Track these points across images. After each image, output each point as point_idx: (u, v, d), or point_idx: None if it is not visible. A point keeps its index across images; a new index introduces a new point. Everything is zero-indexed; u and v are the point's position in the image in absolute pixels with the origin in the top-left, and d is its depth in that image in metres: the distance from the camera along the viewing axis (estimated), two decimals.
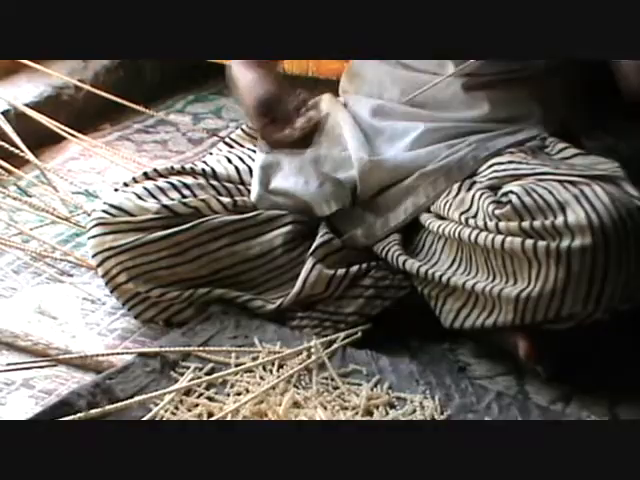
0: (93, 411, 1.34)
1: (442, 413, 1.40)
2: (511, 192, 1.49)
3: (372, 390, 1.43)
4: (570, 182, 1.47)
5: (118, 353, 1.54)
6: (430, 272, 1.55)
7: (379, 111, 1.70)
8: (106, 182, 2.15)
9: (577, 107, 1.70)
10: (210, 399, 1.40)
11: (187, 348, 1.50)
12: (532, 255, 1.44)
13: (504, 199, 1.50)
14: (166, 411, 1.37)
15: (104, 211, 1.62)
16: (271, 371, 1.46)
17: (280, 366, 1.47)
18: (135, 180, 1.68)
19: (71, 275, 1.80)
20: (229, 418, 1.35)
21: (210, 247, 1.61)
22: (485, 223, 1.49)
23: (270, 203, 1.64)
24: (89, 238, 1.63)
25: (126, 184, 1.68)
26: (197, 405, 1.38)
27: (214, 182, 1.67)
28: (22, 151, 2.11)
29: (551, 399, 1.49)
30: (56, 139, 2.26)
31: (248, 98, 1.72)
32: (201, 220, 1.60)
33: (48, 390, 1.48)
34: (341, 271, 1.60)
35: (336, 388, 1.44)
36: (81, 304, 1.71)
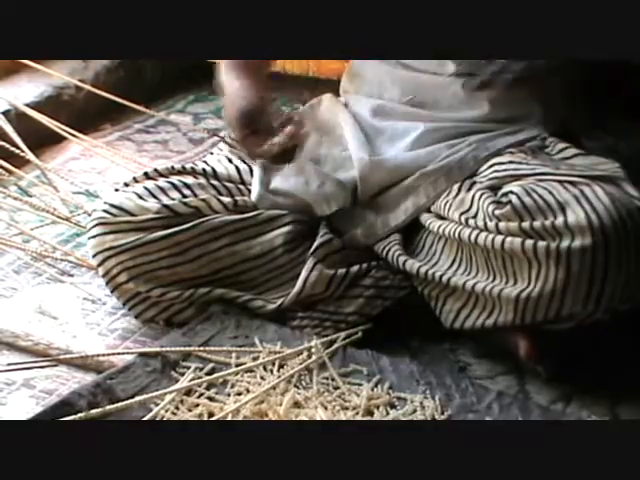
0: (94, 411, 1.34)
1: (443, 413, 1.40)
2: (511, 192, 1.49)
3: (373, 390, 1.43)
4: (570, 182, 1.47)
5: (119, 353, 1.54)
6: (430, 272, 1.55)
7: (379, 111, 1.70)
8: (107, 182, 2.15)
9: (577, 107, 1.70)
10: (211, 399, 1.40)
11: (188, 348, 1.50)
12: (532, 255, 1.44)
13: (504, 199, 1.50)
14: (167, 411, 1.37)
15: (105, 211, 1.62)
16: (272, 371, 1.46)
17: (281, 366, 1.47)
18: (136, 180, 1.68)
19: (72, 275, 1.80)
20: (230, 418, 1.35)
21: (211, 247, 1.61)
22: (485, 223, 1.49)
23: (270, 203, 1.64)
24: (89, 238, 1.63)
25: (127, 184, 1.68)
26: (198, 405, 1.38)
27: (215, 182, 1.68)
28: (23, 151, 2.11)
29: (552, 399, 1.49)
30: (57, 139, 2.26)
31: (231, 108, 1.71)
32: (202, 220, 1.60)
33: (49, 390, 1.48)
34: (341, 271, 1.60)
35: (337, 388, 1.44)
36: (82, 304, 1.71)
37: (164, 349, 1.49)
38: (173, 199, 1.63)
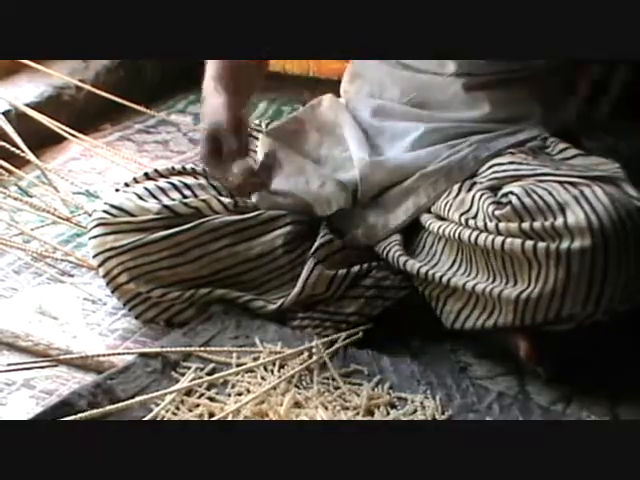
0: (94, 411, 1.34)
1: (443, 413, 1.40)
2: (511, 193, 1.49)
3: (373, 390, 1.43)
4: (570, 183, 1.46)
5: (119, 353, 1.54)
6: (430, 273, 1.55)
7: (380, 111, 1.70)
8: (107, 182, 2.16)
9: (577, 107, 1.70)
10: (211, 399, 1.40)
11: (188, 348, 1.50)
12: (532, 256, 1.44)
13: (504, 200, 1.50)
14: (167, 411, 1.37)
15: (105, 211, 1.62)
16: (272, 371, 1.46)
17: (281, 366, 1.47)
18: (136, 180, 1.68)
19: (72, 275, 1.80)
20: (230, 418, 1.35)
21: (211, 247, 1.61)
22: (485, 224, 1.49)
23: (271, 203, 1.64)
24: (90, 238, 1.63)
25: (127, 184, 1.68)
26: (198, 405, 1.38)
27: (215, 182, 1.67)
28: (23, 151, 2.11)
29: (552, 399, 1.49)
30: (57, 139, 2.27)
31: (203, 120, 1.62)
32: (202, 220, 1.60)
33: (49, 390, 1.48)
34: (342, 271, 1.60)
35: (337, 388, 1.44)
36: (82, 304, 1.71)
37: (164, 349, 1.49)
38: (173, 200, 1.63)
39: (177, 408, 1.38)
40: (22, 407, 1.44)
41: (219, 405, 1.38)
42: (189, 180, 1.66)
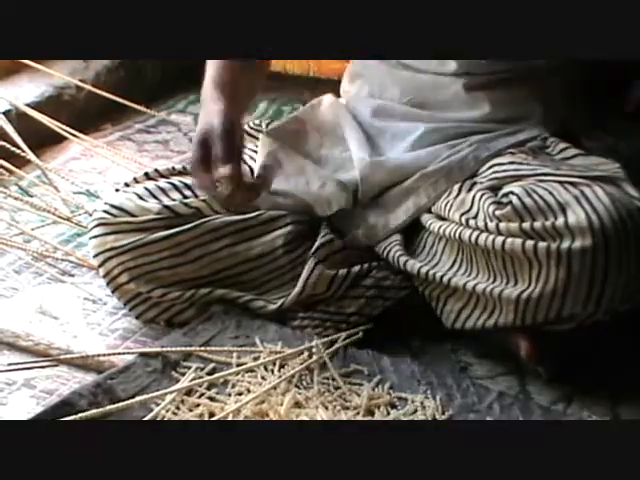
0: (94, 411, 1.34)
1: (443, 413, 1.40)
2: (511, 193, 1.48)
3: (373, 390, 1.43)
4: (570, 183, 1.46)
5: (119, 353, 1.54)
6: (431, 273, 1.55)
7: (380, 111, 1.70)
8: (107, 182, 2.16)
9: (577, 107, 1.70)
10: (211, 399, 1.40)
11: (188, 348, 1.50)
12: (532, 256, 1.44)
13: (504, 200, 1.50)
14: (167, 411, 1.37)
15: (105, 211, 1.62)
16: (272, 371, 1.46)
17: (281, 366, 1.47)
18: (136, 180, 1.68)
19: (72, 275, 1.80)
20: (230, 418, 1.35)
21: (211, 247, 1.61)
22: (486, 224, 1.49)
23: (271, 204, 1.64)
24: (90, 238, 1.63)
25: (127, 184, 1.68)
26: (198, 405, 1.38)
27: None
28: (23, 151, 2.11)
29: (552, 399, 1.49)
30: (57, 139, 2.27)
31: (199, 123, 1.56)
32: (202, 220, 1.61)
33: (49, 390, 1.49)
34: (342, 271, 1.60)
35: (337, 388, 1.44)
36: (82, 304, 1.72)
37: (165, 349, 1.49)
38: (174, 200, 1.63)
39: (177, 408, 1.38)
40: (22, 407, 1.44)
41: (219, 405, 1.38)
42: (189, 180, 1.66)
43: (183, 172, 1.69)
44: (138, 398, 1.38)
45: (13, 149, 2.09)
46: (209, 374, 1.45)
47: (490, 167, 1.58)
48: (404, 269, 1.58)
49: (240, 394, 1.41)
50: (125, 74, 2.58)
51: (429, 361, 1.55)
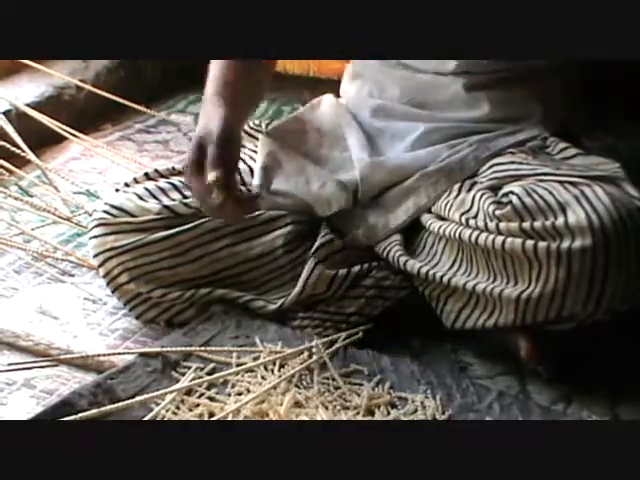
0: (94, 411, 1.34)
1: (443, 413, 1.40)
2: (511, 193, 1.48)
3: (373, 390, 1.43)
4: (570, 183, 1.46)
5: (119, 353, 1.54)
6: (431, 273, 1.55)
7: (380, 111, 1.70)
8: (107, 182, 2.16)
9: (577, 107, 1.70)
10: (211, 399, 1.40)
11: (188, 348, 1.50)
12: (532, 256, 1.44)
13: (504, 200, 1.50)
14: (167, 411, 1.37)
15: (105, 211, 1.62)
16: (272, 371, 1.46)
17: (281, 366, 1.47)
18: (136, 180, 1.68)
19: (72, 275, 1.80)
20: (230, 418, 1.35)
21: (211, 247, 1.61)
22: (486, 224, 1.49)
23: (271, 204, 1.64)
24: (90, 238, 1.63)
25: (127, 184, 1.68)
26: (198, 405, 1.38)
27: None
28: (23, 151, 2.11)
29: (552, 399, 1.49)
30: (57, 139, 2.27)
31: (198, 127, 1.54)
32: (202, 220, 1.61)
33: (49, 390, 1.49)
34: (342, 271, 1.60)
35: (337, 388, 1.44)
36: (82, 304, 1.72)
37: (165, 349, 1.49)
38: (174, 200, 1.63)
39: (177, 408, 1.38)
40: (22, 407, 1.44)
41: (219, 405, 1.38)
42: None
43: (183, 172, 1.69)
44: (138, 398, 1.38)
45: (13, 149, 2.09)
46: (209, 374, 1.45)
47: (490, 167, 1.58)
48: (404, 269, 1.58)
49: (240, 394, 1.41)
50: (125, 74, 2.58)
51: (429, 361, 1.55)
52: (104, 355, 1.53)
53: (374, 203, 1.65)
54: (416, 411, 1.40)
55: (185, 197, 1.63)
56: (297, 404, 1.39)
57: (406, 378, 1.47)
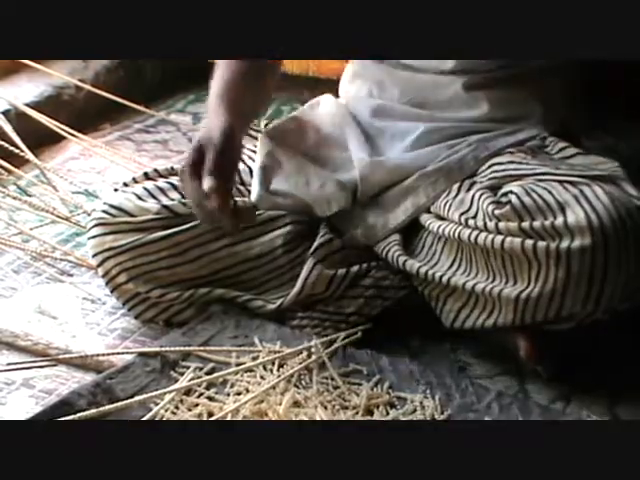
0: (93, 411, 1.34)
1: (442, 413, 1.40)
2: (511, 192, 1.48)
3: (372, 390, 1.43)
4: (570, 182, 1.46)
5: (118, 353, 1.54)
6: (430, 272, 1.55)
7: (379, 111, 1.70)
8: (106, 182, 2.16)
9: (577, 107, 1.70)
10: (210, 399, 1.40)
11: (187, 348, 1.50)
12: (532, 255, 1.44)
13: (504, 199, 1.50)
14: (166, 411, 1.37)
15: (104, 211, 1.62)
16: (271, 371, 1.46)
17: (280, 366, 1.47)
18: (135, 180, 1.68)
19: (71, 275, 1.80)
20: (229, 418, 1.35)
21: (210, 247, 1.61)
22: (485, 223, 1.49)
23: (270, 203, 1.64)
24: (89, 238, 1.63)
25: (126, 184, 1.68)
26: (197, 405, 1.38)
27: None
28: (22, 151, 2.11)
29: (551, 399, 1.48)
30: (56, 139, 2.27)
31: (201, 130, 1.54)
32: None
33: (48, 390, 1.48)
34: (341, 271, 1.60)
35: (336, 388, 1.44)
36: (81, 304, 1.71)
37: (164, 349, 1.49)
38: (173, 200, 1.63)
39: (176, 407, 1.38)
40: (21, 407, 1.44)
41: (218, 404, 1.38)
42: None
43: (178, 172, 1.69)
44: (137, 398, 1.38)
45: (12, 149, 2.09)
46: (208, 374, 1.45)
47: (489, 166, 1.58)
48: (403, 269, 1.58)
49: (239, 394, 1.41)
50: (125, 74, 2.58)
51: (428, 361, 1.55)
52: (103, 355, 1.53)
53: (373, 203, 1.65)
54: (415, 411, 1.39)
55: (184, 197, 1.63)
56: (296, 404, 1.39)
57: (405, 378, 1.47)
